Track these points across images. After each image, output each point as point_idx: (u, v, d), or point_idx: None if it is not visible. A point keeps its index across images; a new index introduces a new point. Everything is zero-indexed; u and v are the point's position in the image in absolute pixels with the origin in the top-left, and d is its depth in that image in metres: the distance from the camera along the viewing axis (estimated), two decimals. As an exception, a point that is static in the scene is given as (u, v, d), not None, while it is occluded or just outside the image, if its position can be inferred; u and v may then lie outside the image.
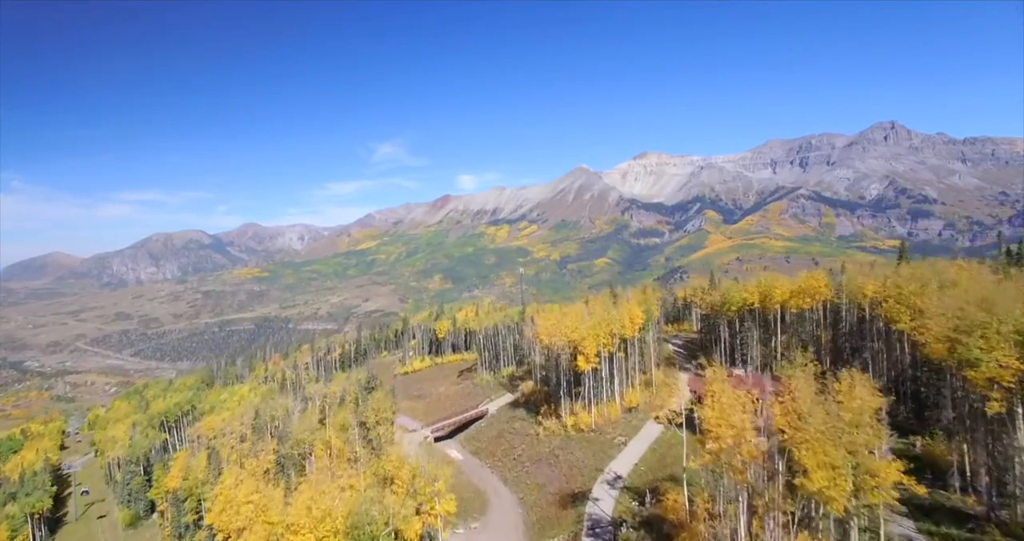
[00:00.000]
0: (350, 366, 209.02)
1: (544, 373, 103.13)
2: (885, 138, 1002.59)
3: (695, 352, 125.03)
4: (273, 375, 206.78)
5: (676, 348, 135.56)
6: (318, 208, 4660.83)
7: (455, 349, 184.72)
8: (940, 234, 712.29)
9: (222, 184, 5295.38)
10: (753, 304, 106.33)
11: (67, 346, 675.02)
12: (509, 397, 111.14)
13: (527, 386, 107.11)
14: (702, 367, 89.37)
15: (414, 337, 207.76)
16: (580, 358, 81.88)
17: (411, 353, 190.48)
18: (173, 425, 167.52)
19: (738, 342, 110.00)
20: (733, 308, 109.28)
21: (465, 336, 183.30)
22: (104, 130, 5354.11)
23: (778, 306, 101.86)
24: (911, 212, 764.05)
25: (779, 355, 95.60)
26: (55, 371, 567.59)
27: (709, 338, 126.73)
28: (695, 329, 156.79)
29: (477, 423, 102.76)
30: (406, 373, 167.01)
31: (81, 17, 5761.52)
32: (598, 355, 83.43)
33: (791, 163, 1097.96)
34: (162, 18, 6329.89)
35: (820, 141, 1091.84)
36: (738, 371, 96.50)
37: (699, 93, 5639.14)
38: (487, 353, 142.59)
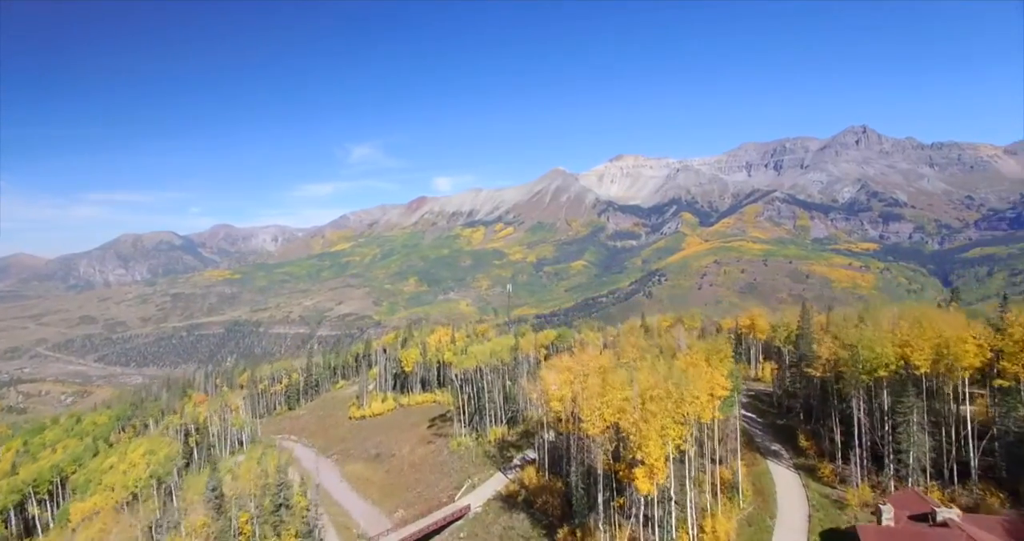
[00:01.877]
0: (299, 400, 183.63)
1: (557, 455, 76.37)
2: (857, 142, 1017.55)
3: (773, 421, 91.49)
4: (188, 423, 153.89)
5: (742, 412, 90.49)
6: (293, 209, 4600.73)
7: (425, 385, 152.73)
8: (910, 237, 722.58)
9: (196, 185, 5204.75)
10: (901, 365, 63.41)
11: (27, 352, 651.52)
12: (500, 480, 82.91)
13: (529, 474, 77.78)
14: (802, 453, 72.48)
15: (375, 363, 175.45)
16: (639, 473, 50.59)
17: (371, 387, 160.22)
18: (46, 497, 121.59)
19: (887, 429, 63.79)
20: (873, 370, 63.25)
21: (438, 369, 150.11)
22: (78, 130, 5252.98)
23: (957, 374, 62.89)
24: (883, 215, 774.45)
25: (950, 460, 60.32)
26: (10, 379, 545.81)
27: (809, 409, 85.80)
28: (751, 369, 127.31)
29: (455, 526, 73.17)
30: (363, 417, 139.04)
31: (51, 16, 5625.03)
32: (666, 459, 51.90)
33: (766, 166, 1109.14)
34: (137, 17, 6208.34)
35: (794, 144, 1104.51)
36: (944, 512, 48.08)
37: (675, 95, 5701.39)
38: (467, 400, 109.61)
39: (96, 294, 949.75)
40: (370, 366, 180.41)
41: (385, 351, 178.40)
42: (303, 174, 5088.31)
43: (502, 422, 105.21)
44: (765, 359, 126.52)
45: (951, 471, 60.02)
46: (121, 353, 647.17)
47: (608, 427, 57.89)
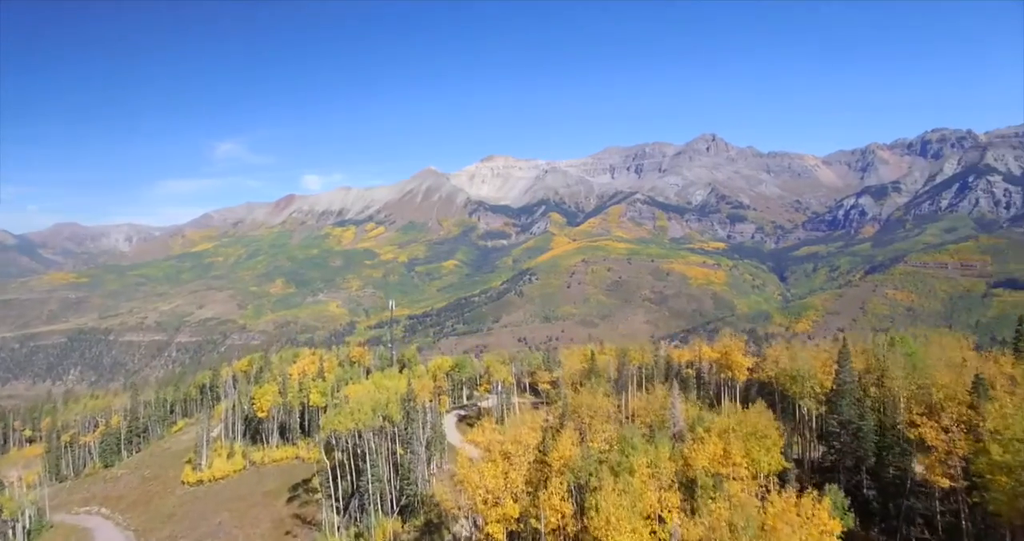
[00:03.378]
0: (119, 452, 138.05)
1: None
2: (707, 149, 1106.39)
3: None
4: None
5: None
6: (150, 208, 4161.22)
7: (286, 433, 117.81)
8: (752, 237, 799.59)
9: (35, 180, 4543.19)
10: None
11: None
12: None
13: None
14: None
15: (225, 396, 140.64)
16: None
17: (216, 433, 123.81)
18: None
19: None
20: None
21: (303, 412, 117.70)
22: None
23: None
24: (730, 217, 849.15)
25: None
26: None
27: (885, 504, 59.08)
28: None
29: None
30: (199, 483, 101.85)
31: None
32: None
33: (628, 169, 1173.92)
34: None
35: (653, 149, 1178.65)
36: None
37: (544, 98, 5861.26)
38: (340, 468, 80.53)
39: None
40: (219, 400, 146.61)
41: (236, 383, 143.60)
42: (162, 170, 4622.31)
43: (393, 510, 74.59)
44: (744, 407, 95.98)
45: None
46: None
47: None
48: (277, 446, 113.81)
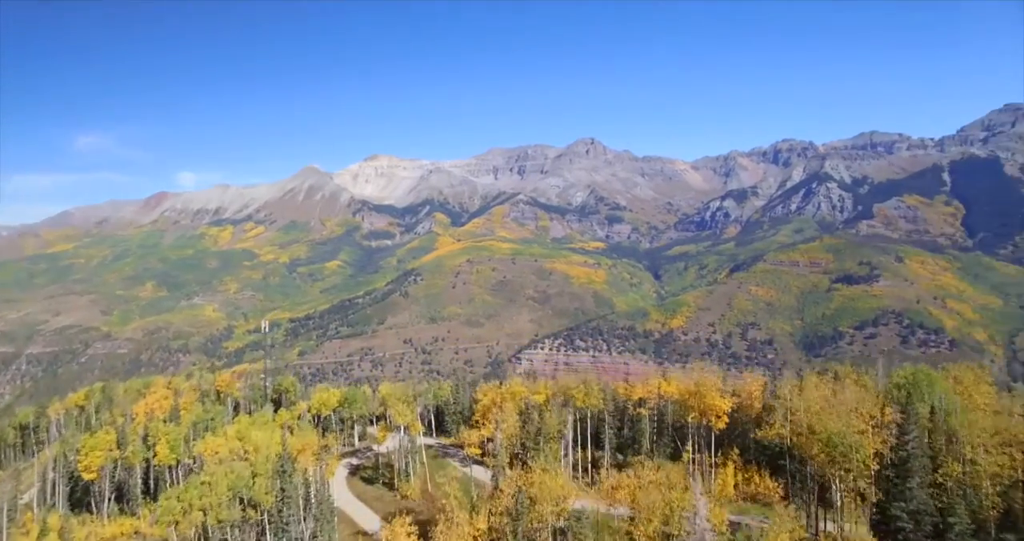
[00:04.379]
0: None
1: None
2: (587, 152, 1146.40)
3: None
4: None
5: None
6: None
7: (124, 496, 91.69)
8: (629, 237, 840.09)
9: None
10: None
11: None
12: None
13: None
14: None
15: (48, 443, 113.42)
16: None
17: (27, 499, 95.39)
18: None
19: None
20: None
21: (147, 469, 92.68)
22: None
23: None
24: (608, 218, 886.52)
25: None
26: None
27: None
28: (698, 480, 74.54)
29: None
30: None
31: None
32: None
33: (511, 170, 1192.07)
34: None
35: (535, 151, 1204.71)
36: None
37: (428, 98, 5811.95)
38: None
39: None
40: (44, 445, 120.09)
41: (61, 429, 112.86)
42: (13, 163, 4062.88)
43: None
44: (723, 462, 78.72)
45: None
46: None
47: None
48: (111, 517, 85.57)
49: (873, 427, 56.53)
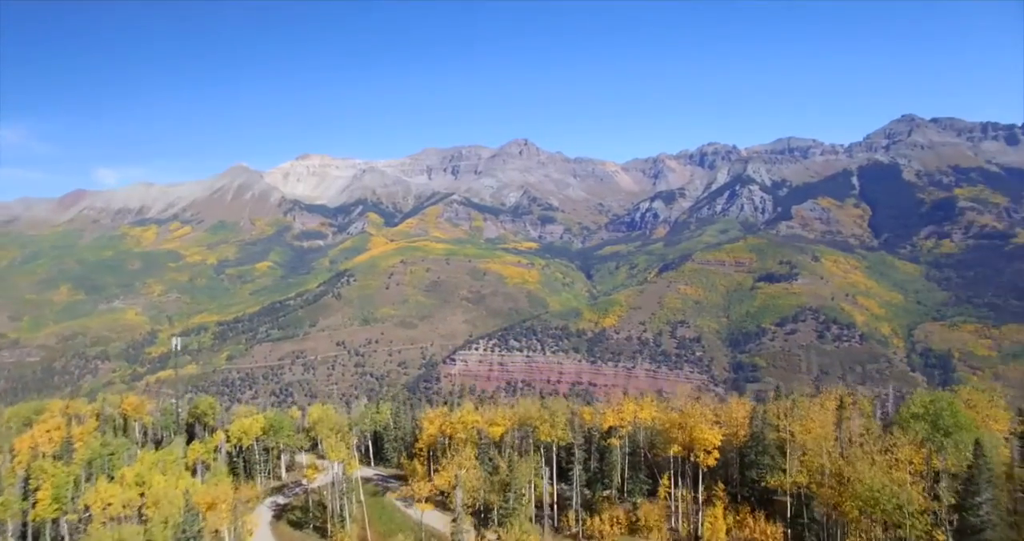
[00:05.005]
0: None
1: None
2: (520, 153, 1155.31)
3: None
4: None
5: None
6: None
7: None
8: (561, 237, 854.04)
9: None
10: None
11: None
12: None
13: None
14: None
15: None
16: None
17: None
18: None
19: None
20: None
21: (24, 524, 71.70)
22: None
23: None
24: (541, 218, 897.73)
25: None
26: None
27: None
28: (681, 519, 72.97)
29: None
30: None
31: None
32: None
33: (444, 170, 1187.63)
34: None
35: (469, 151, 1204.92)
36: None
37: (361, 96, 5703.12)
38: None
39: None
40: None
41: None
42: None
43: None
44: (708, 499, 69.03)
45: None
46: None
47: None
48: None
49: (911, 474, 47.18)
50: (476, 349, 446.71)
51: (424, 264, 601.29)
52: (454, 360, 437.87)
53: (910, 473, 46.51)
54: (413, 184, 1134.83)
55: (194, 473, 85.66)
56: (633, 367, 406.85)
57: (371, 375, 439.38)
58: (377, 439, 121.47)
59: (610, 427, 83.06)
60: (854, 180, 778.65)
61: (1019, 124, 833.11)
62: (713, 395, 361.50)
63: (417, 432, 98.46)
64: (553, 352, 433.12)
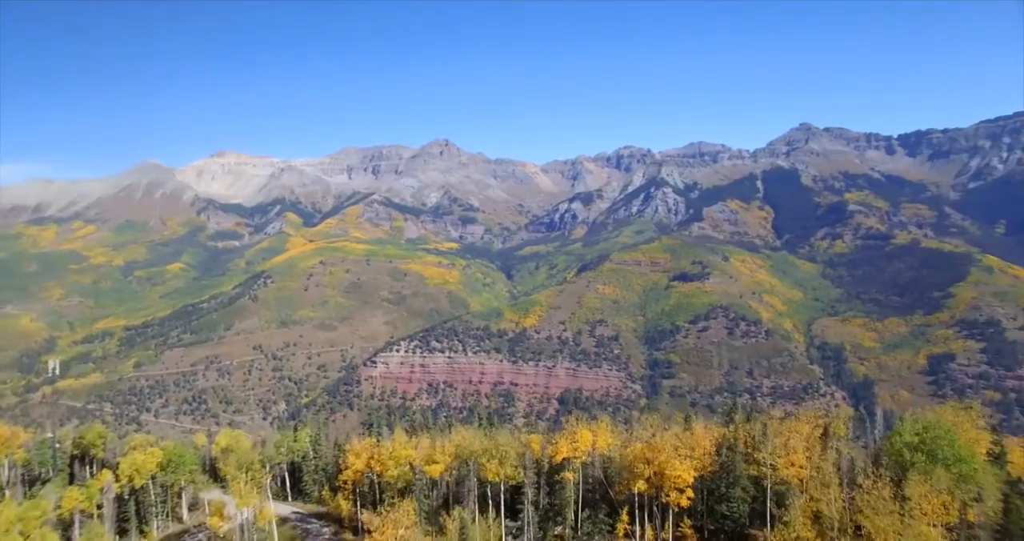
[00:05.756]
0: None
1: None
2: (441, 153, 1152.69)
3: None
4: None
5: None
6: None
7: None
8: (482, 237, 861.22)
9: None
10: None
11: None
12: None
13: None
14: None
15: None
16: None
17: None
18: None
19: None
20: None
21: None
22: None
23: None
24: (462, 218, 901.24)
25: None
26: None
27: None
28: None
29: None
30: None
31: None
32: None
33: (365, 170, 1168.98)
34: None
35: (390, 151, 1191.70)
36: None
37: (278, 94, 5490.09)
38: None
39: None
40: None
41: None
42: None
43: None
44: (678, 539, 65.90)
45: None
46: None
47: None
48: None
49: (936, 525, 43.06)
50: (397, 351, 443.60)
51: (344, 265, 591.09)
52: (375, 362, 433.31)
53: (933, 525, 42.61)
54: (333, 184, 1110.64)
55: (68, 527, 71.61)
56: (554, 366, 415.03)
57: (290, 379, 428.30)
58: (295, 469, 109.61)
59: (564, 458, 72.59)
60: (759, 184, 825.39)
61: (895, 136, 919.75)
62: (631, 391, 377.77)
63: (341, 462, 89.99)
64: (475, 353, 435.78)
